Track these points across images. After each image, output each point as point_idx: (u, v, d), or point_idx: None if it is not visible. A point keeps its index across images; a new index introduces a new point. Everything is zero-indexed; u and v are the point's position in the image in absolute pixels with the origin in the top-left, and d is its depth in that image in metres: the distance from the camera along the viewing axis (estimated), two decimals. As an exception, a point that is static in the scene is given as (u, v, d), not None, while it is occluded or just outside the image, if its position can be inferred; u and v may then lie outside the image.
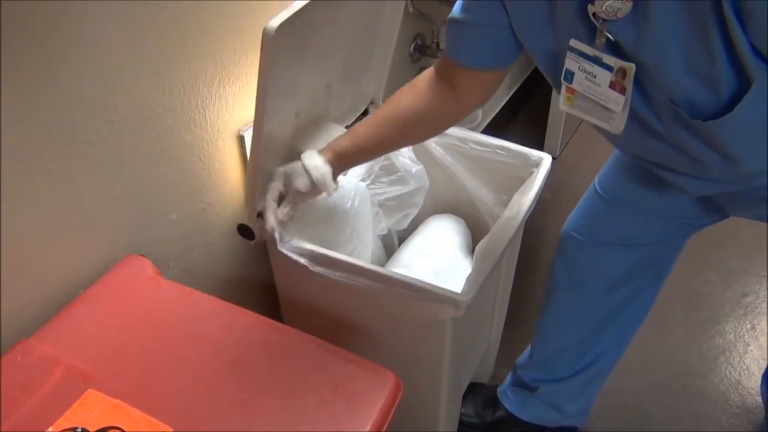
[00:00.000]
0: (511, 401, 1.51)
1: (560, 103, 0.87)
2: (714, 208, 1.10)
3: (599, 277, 1.26)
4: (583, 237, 1.23)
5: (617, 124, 0.83)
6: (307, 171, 1.03)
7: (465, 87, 1.00)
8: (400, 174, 1.36)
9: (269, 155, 1.04)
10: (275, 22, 0.85)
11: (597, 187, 1.23)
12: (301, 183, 1.04)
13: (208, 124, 1.07)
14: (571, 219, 1.29)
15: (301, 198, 1.07)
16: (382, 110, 1.05)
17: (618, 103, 0.80)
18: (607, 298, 1.28)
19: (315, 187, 1.04)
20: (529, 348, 1.47)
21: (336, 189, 1.06)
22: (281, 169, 1.06)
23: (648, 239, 1.19)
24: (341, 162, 1.06)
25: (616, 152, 1.21)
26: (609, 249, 1.21)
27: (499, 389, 1.54)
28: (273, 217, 1.04)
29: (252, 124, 1.15)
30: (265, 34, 0.85)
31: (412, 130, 1.06)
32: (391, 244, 1.49)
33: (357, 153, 1.06)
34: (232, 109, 1.11)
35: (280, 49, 0.88)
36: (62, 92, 0.83)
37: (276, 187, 1.05)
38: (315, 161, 1.03)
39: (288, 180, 1.05)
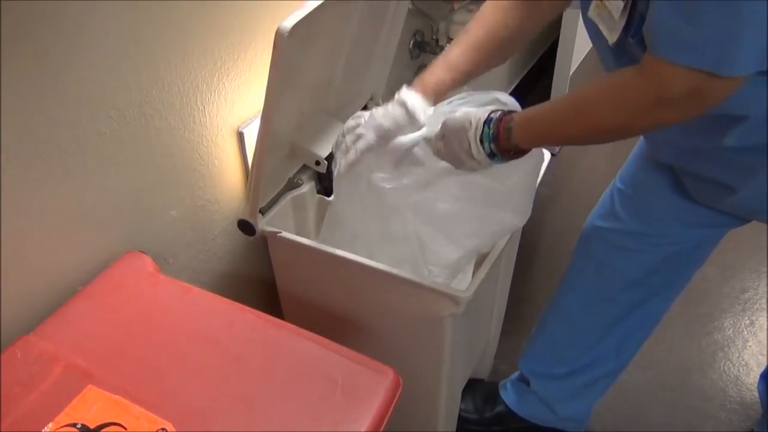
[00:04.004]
0: (509, 394, 1.52)
1: (590, 11, 0.92)
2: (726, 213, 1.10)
3: (609, 276, 1.26)
4: (604, 229, 1.25)
5: (615, 33, 0.87)
6: (405, 107, 1.02)
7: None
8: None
9: (272, 151, 1.04)
10: (289, 23, 0.85)
11: (618, 183, 1.24)
12: (399, 119, 1.03)
13: (207, 121, 1.07)
14: (594, 212, 1.30)
15: (389, 136, 1.05)
16: (472, 34, 1.05)
17: (618, 9, 0.84)
18: (612, 299, 1.28)
19: (409, 123, 1.04)
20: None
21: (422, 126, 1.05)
22: (385, 123, 1.03)
23: (664, 239, 1.19)
24: (437, 95, 1.05)
25: (636, 150, 1.23)
26: (625, 249, 1.22)
27: (501, 382, 1.55)
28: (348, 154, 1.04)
29: (251, 121, 1.15)
30: (279, 34, 0.86)
31: (506, 48, 1.08)
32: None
33: (455, 83, 1.06)
34: (231, 105, 1.11)
35: (292, 48, 0.88)
36: (61, 89, 0.82)
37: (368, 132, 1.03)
38: (414, 99, 1.03)
39: (378, 121, 1.03)
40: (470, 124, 0.95)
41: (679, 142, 1.02)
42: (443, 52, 1.06)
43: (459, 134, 0.96)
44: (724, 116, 0.88)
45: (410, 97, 1.03)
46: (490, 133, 0.93)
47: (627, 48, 0.87)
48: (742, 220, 1.13)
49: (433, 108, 1.05)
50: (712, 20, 0.71)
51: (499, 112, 0.94)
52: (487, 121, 0.94)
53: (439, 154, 1.01)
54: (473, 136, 0.94)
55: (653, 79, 0.77)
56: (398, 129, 1.04)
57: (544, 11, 1.06)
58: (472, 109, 0.97)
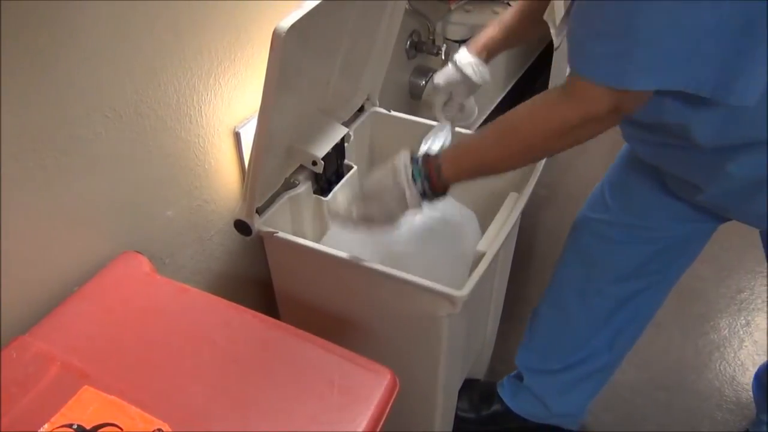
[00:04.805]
0: (505, 390, 1.52)
1: (545, 14, 0.97)
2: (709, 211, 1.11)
3: (598, 268, 1.27)
4: (593, 220, 1.27)
5: (559, 37, 0.92)
6: (455, 63, 1.15)
7: None
8: None
9: (269, 151, 1.05)
10: (286, 23, 0.85)
11: (609, 176, 1.27)
12: (463, 88, 1.17)
13: (203, 121, 1.07)
14: (585, 205, 1.31)
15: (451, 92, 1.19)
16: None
17: (560, 14, 0.89)
18: (601, 292, 1.29)
19: (475, 85, 1.17)
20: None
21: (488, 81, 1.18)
22: (441, 81, 1.18)
23: (652, 232, 1.20)
24: (491, 52, 1.16)
25: (624, 147, 1.25)
26: (613, 240, 1.23)
27: (499, 381, 1.55)
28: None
29: (248, 121, 1.15)
30: (276, 34, 0.86)
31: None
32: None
33: (503, 41, 1.16)
34: (228, 105, 1.11)
35: (289, 48, 0.88)
36: (57, 88, 0.82)
37: (441, 99, 1.20)
38: (470, 60, 1.15)
39: (450, 87, 1.18)
40: (397, 170, 0.95)
41: (649, 140, 1.03)
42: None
43: (387, 186, 0.96)
44: (676, 125, 0.90)
45: (459, 54, 1.15)
46: (421, 171, 0.94)
47: None
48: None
49: (485, 66, 1.15)
50: (608, 37, 0.75)
51: (419, 154, 0.96)
52: (414, 161, 0.95)
53: (361, 217, 1.00)
54: (404, 178, 0.94)
55: (577, 99, 0.82)
56: (451, 85, 1.17)
57: None
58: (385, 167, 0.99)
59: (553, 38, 0.93)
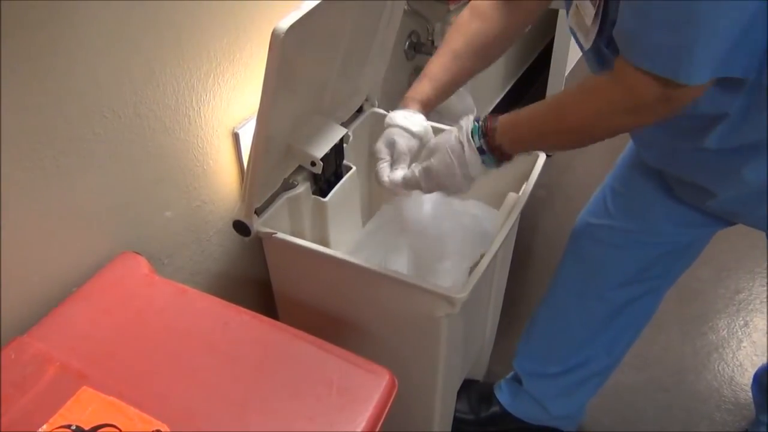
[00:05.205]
0: (504, 393, 1.52)
1: (569, 19, 0.94)
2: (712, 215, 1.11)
3: (599, 274, 1.27)
4: (595, 226, 1.26)
5: (589, 39, 0.89)
6: (408, 131, 1.03)
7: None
8: None
9: (267, 152, 1.05)
10: (285, 24, 0.85)
11: (610, 181, 1.26)
12: (406, 143, 1.03)
13: (202, 121, 1.07)
14: (586, 210, 1.30)
15: (409, 156, 1.05)
16: (452, 45, 1.06)
17: (590, 15, 0.86)
18: (602, 297, 1.29)
19: (419, 142, 1.05)
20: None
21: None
22: (381, 143, 1.04)
23: (654, 237, 1.20)
24: (427, 109, 1.07)
25: (627, 150, 1.24)
26: (615, 246, 1.23)
27: (496, 384, 1.55)
28: (390, 177, 1.03)
29: (247, 122, 1.15)
30: (275, 34, 0.86)
31: (489, 54, 1.09)
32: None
33: (439, 95, 1.08)
34: (227, 106, 1.11)
35: (288, 49, 0.88)
36: (55, 88, 0.82)
37: (385, 162, 1.03)
38: (412, 118, 1.04)
39: (392, 147, 1.04)
40: (459, 127, 0.95)
41: (661, 143, 1.03)
42: (426, 66, 1.08)
43: (447, 140, 0.96)
44: (704, 116, 0.89)
45: (412, 120, 1.03)
46: (479, 129, 0.93)
47: (604, 54, 0.88)
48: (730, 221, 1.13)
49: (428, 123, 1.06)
50: (667, 29, 0.74)
51: (484, 115, 0.95)
52: (476, 119, 0.95)
53: (429, 175, 0.98)
54: (465, 134, 0.94)
55: (624, 85, 0.80)
56: (414, 153, 1.05)
57: (520, 17, 1.07)
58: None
59: (582, 41, 0.91)
